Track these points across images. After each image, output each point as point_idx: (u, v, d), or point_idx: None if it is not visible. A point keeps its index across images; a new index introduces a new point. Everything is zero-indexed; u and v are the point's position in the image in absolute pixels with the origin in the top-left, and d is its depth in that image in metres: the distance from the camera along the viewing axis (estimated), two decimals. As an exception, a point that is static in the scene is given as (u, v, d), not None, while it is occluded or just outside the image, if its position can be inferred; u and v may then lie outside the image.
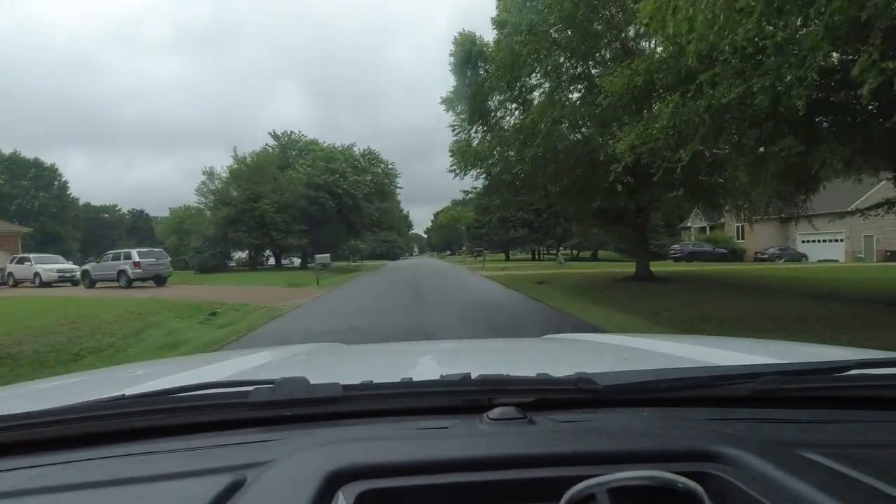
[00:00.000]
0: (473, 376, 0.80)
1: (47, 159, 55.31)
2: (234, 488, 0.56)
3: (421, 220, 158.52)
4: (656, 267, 18.45)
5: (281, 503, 0.53)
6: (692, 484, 0.51)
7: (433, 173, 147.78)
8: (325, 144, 37.84)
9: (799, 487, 0.52)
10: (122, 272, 19.30)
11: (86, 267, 21.69)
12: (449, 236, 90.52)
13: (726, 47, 5.74)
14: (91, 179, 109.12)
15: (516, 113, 14.74)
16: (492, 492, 0.58)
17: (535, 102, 13.39)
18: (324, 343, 2.05)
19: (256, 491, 0.55)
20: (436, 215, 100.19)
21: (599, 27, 12.07)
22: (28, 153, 53.20)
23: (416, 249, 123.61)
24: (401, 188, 38.47)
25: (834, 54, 6.28)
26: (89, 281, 20.51)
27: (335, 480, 0.56)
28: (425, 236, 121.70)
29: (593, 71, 12.88)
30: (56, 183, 54.63)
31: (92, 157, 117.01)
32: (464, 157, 14.98)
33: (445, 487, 0.58)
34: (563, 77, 12.46)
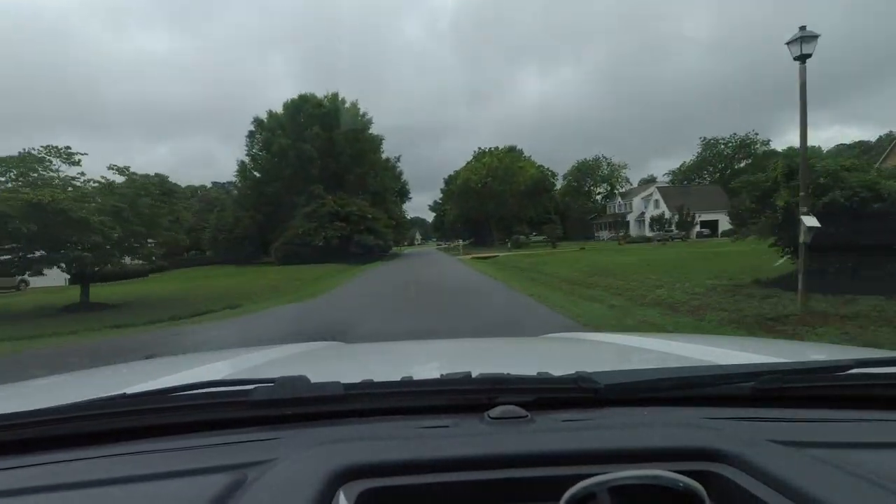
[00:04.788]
0: (474, 375, 0.80)
1: None
2: (234, 487, 0.56)
3: (423, 208, 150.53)
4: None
5: (282, 502, 0.53)
6: (693, 483, 0.51)
7: (437, 156, 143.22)
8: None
9: (800, 486, 0.52)
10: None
11: None
12: (478, 210, 53.45)
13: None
14: None
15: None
16: (492, 491, 0.58)
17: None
18: (324, 342, 2.05)
19: (257, 490, 0.55)
20: (447, 182, 66.41)
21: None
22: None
23: (417, 236, 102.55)
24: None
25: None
26: None
27: (336, 479, 0.57)
28: (430, 218, 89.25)
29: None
30: None
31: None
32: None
33: (446, 486, 0.58)
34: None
